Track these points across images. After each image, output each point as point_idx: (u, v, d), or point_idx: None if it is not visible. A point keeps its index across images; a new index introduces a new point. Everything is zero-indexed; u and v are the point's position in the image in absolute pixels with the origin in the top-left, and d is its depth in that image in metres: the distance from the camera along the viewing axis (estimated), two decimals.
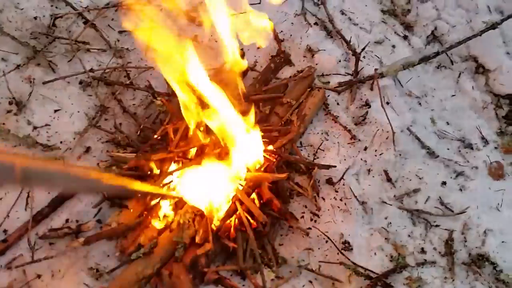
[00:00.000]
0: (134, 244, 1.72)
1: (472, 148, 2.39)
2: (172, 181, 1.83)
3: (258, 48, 2.47)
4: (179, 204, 1.81)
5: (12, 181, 0.74)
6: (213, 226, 1.76)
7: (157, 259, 1.64)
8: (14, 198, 1.84)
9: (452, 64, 2.68)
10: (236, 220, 1.81)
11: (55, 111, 2.09)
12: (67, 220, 1.84)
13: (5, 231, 1.80)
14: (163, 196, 1.80)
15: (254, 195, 1.87)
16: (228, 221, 1.78)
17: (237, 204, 1.78)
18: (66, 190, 1.74)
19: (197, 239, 1.69)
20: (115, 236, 1.79)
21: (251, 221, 1.80)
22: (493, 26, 2.47)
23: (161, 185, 1.80)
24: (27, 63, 2.12)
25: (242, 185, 1.83)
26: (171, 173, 1.81)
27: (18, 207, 1.84)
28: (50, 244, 1.78)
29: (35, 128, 2.03)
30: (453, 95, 2.57)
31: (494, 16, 2.75)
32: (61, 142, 2.03)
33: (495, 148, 2.45)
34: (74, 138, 2.05)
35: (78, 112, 2.11)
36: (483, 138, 2.45)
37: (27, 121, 2.03)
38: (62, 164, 1.86)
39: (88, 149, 2.05)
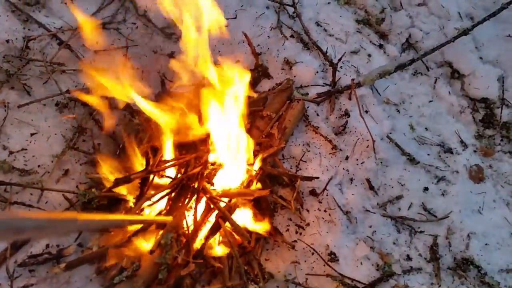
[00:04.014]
0: (116, 267, 1.68)
1: (452, 153, 2.41)
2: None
3: (236, 62, 2.47)
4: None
5: None
6: (196, 245, 1.73)
7: (140, 282, 1.60)
8: None
9: (428, 70, 2.72)
10: (220, 237, 1.79)
11: (32, 134, 2.04)
12: (47, 246, 1.80)
13: None
14: (150, 223, 1.75)
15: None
16: (212, 238, 1.76)
17: (221, 221, 1.76)
18: (40, 237, 1.65)
19: (180, 260, 1.66)
20: (97, 260, 1.75)
21: (236, 237, 1.79)
22: (465, 32, 2.52)
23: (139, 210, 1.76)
24: (0, 87, 2.08)
25: (225, 202, 1.81)
26: (150, 196, 1.78)
27: None
28: (30, 272, 1.73)
29: (11, 153, 1.98)
30: (430, 101, 2.61)
31: (465, 22, 2.81)
32: (38, 166, 1.99)
33: (474, 151, 2.48)
34: (52, 161, 2.01)
35: (55, 134, 2.08)
36: (462, 142, 2.49)
37: (3, 146, 1.98)
38: (35, 212, 1.79)
39: (66, 172, 2.01)
